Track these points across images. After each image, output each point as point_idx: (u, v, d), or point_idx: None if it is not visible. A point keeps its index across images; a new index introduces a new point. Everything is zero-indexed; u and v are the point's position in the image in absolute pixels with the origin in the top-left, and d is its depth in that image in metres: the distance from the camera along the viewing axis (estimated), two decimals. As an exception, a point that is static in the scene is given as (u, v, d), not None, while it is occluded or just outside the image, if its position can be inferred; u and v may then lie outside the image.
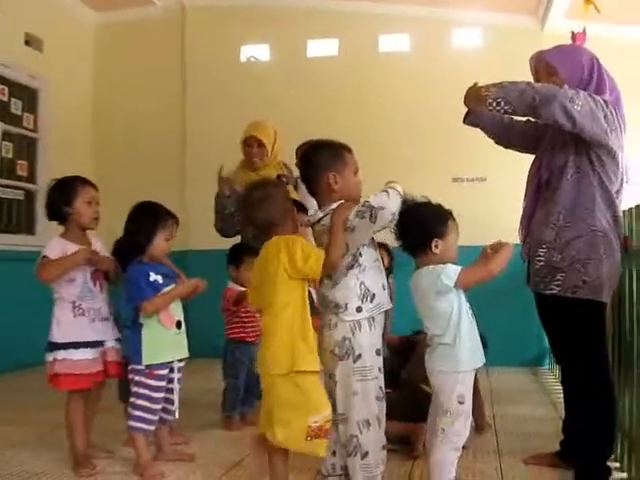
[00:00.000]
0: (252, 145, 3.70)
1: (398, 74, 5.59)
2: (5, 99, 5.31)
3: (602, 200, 2.39)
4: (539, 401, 4.02)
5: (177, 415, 2.75)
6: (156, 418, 2.67)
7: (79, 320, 2.72)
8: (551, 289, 2.41)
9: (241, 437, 3.10)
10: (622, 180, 2.43)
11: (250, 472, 2.60)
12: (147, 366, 2.64)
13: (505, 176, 4.76)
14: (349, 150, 2.31)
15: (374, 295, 2.20)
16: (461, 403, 2.16)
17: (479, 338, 2.24)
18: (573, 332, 2.41)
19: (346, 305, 2.18)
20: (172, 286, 2.71)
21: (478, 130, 2.80)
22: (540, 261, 2.45)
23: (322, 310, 2.28)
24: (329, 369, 2.24)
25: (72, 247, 2.71)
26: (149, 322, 2.65)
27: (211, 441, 3.13)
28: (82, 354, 2.69)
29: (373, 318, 2.21)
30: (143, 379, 2.64)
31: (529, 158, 2.72)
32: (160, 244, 2.69)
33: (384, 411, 2.25)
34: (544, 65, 2.52)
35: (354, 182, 2.28)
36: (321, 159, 2.26)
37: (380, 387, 2.23)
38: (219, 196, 3.69)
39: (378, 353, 2.23)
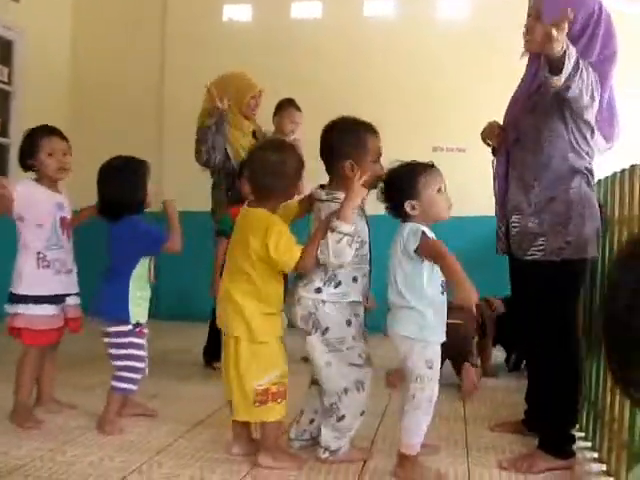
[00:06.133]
0: (257, 97, 3.78)
1: (383, 40, 5.49)
2: (-22, 50, 5.13)
3: (576, 163, 2.28)
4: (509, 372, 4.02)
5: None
6: (140, 377, 2.61)
7: (42, 272, 2.61)
8: (532, 254, 2.30)
9: (207, 395, 3.05)
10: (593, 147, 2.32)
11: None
12: (135, 325, 2.56)
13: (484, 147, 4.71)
14: (374, 132, 2.19)
15: (340, 283, 2.15)
16: (430, 368, 2.13)
17: (446, 316, 2.19)
18: (551, 294, 2.28)
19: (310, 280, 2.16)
20: None
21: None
22: (515, 227, 2.35)
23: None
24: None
25: (39, 189, 2.65)
26: (137, 276, 2.55)
27: (176, 398, 3.11)
28: (42, 309, 2.58)
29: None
30: (133, 339, 2.56)
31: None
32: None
33: (367, 375, 2.23)
34: (537, 7, 2.25)
35: (372, 170, 2.16)
36: (341, 145, 2.15)
37: (359, 355, 2.20)
38: (204, 129, 3.60)
39: (349, 323, 2.19)
